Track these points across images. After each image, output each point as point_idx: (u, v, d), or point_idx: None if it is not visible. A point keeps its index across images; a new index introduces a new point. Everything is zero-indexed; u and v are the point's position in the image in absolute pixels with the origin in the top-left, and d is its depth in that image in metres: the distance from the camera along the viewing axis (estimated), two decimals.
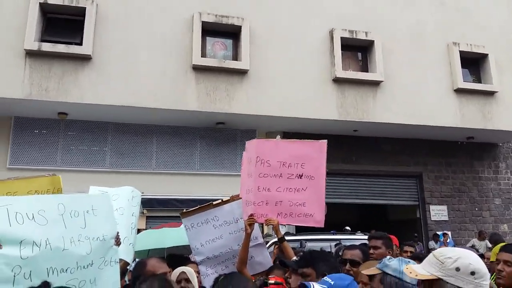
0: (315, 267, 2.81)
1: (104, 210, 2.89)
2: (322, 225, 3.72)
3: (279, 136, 4.18)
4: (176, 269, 3.48)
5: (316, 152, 3.77)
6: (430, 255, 1.81)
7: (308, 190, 3.71)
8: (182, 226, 6.35)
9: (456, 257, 1.71)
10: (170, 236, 5.60)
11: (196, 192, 10.55)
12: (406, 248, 5.39)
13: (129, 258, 3.48)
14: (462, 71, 12.30)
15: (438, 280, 1.69)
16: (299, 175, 3.72)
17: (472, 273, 1.67)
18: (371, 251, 3.57)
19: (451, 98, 12.14)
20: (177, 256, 4.84)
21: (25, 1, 9.72)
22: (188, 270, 3.50)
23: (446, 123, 11.95)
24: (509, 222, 13.70)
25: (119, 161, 10.95)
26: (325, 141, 3.81)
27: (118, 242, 2.92)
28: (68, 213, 2.65)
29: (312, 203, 3.70)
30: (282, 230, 10.87)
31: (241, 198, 3.98)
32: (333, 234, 8.21)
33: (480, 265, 1.70)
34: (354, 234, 8.64)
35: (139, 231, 7.60)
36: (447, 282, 1.67)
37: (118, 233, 2.95)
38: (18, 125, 10.52)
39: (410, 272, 1.76)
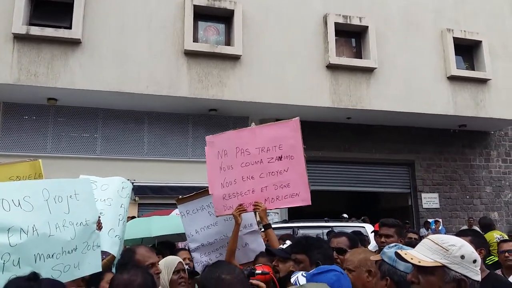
0: (309, 254, 2.75)
1: (86, 194, 2.92)
2: (309, 203, 3.66)
3: (254, 124, 4.14)
4: (173, 258, 3.41)
5: (290, 131, 3.72)
6: (428, 241, 1.76)
7: (290, 170, 3.68)
8: (172, 214, 6.33)
9: (459, 245, 1.69)
10: (158, 225, 5.56)
11: (188, 179, 10.47)
12: (411, 235, 5.34)
13: (114, 250, 3.42)
14: (456, 58, 12.28)
15: (441, 267, 1.66)
16: (279, 157, 3.70)
17: (474, 261, 1.68)
18: (383, 239, 3.46)
19: (444, 86, 12.13)
20: (168, 244, 4.80)
21: None
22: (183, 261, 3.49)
23: (439, 110, 11.96)
24: (500, 210, 13.84)
25: (110, 148, 10.83)
26: (298, 118, 3.76)
27: (99, 227, 2.96)
28: (52, 198, 2.65)
29: (296, 182, 3.67)
30: (276, 218, 10.84)
31: (212, 193, 3.88)
32: (326, 221, 8.21)
33: (476, 253, 1.74)
34: (347, 221, 8.66)
35: (130, 218, 7.56)
36: (452, 270, 1.65)
37: (99, 217, 2.98)
38: (7, 111, 10.34)
39: (412, 258, 1.71)
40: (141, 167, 10.76)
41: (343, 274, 2.35)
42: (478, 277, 1.68)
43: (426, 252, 1.71)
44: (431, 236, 1.80)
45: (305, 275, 2.36)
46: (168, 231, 5.46)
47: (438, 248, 1.69)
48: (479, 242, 3.06)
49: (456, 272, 1.64)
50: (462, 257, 1.66)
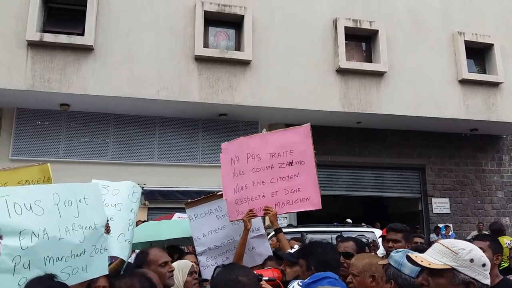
0: (306, 259, 2.77)
1: (95, 198, 2.96)
2: (319, 207, 3.69)
3: (265, 130, 4.20)
4: (187, 261, 3.47)
5: (301, 137, 3.78)
6: (438, 245, 1.80)
7: (301, 175, 3.73)
8: (174, 217, 6.38)
9: (469, 249, 1.72)
10: (168, 229, 5.60)
11: (198, 184, 10.54)
12: (416, 239, 5.31)
13: (123, 255, 3.46)
14: (467, 61, 12.16)
15: (450, 270, 1.69)
16: (290, 162, 3.75)
17: (483, 265, 1.70)
18: (390, 244, 3.42)
19: (456, 89, 12.03)
20: (177, 248, 4.85)
21: None
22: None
23: (450, 114, 11.86)
24: (511, 215, 13.65)
25: (121, 152, 10.95)
26: (308, 124, 3.82)
27: (107, 230, 3.00)
28: (62, 202, 2.69)
29: (306, 187, 3.71)
30: (284, 222, 10.85)
31: (225, 199, 3.93)
32: (335, 226, 8.20)
33: (486, 257, 1.76)
34: (354, 226, 8.64)
35: (139, 222, 7.63)
36: (461, 273, 1.68)
37: (107, 221, 3.02)
38: (21, 116, 10.51)
39: (422, 261, 1.75)
40: (152, 171, 10.84)
41: (337, 280, 2.37)
42: (488, 281, 1.69)
43: (436, 255, 1.75)
44: (442, 241, 1.84)
45: (301, 284, 2.39)
46: (178, 234, 5.49)
47: (447, 251, 1.73)
48: (496, 248, 3.04)
49: (465, 275, 1.67)
50: (471, 260, 1.68)
